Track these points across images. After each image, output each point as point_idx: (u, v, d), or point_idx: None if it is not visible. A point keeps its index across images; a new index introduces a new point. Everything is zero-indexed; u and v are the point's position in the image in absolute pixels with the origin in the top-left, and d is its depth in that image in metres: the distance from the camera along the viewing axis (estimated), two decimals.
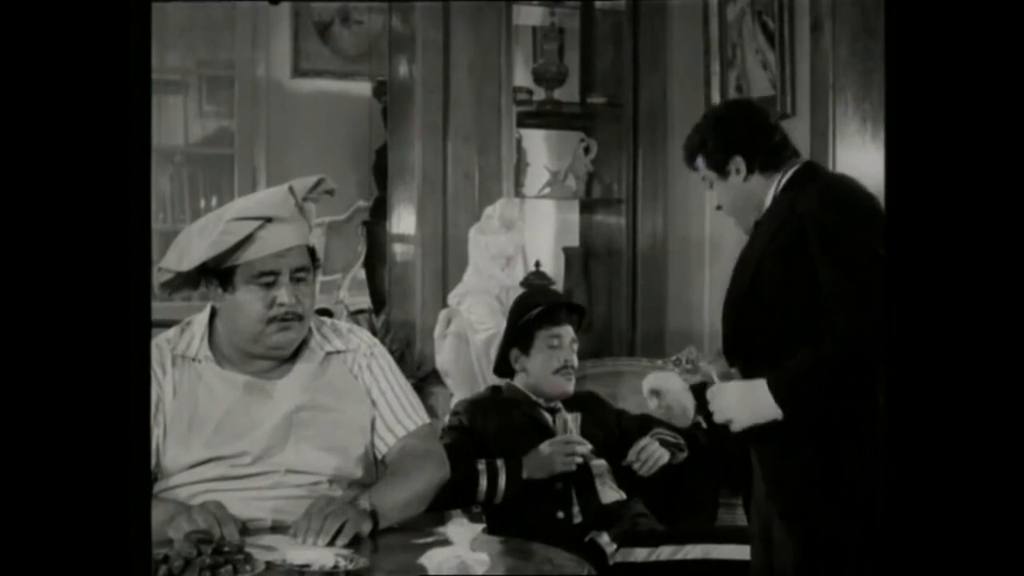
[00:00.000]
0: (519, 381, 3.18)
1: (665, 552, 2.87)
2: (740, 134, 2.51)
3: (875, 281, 2.08)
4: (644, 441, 3.04)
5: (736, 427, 2.35)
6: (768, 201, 2.45)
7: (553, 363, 3.12)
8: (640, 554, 2.88)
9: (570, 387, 3.15)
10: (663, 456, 3.00)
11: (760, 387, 2.29)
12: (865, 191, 2.37)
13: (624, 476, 3.09)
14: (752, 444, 2.40)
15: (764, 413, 2.29)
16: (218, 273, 2.24)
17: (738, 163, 2.48)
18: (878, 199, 2.27)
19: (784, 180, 2.45)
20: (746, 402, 2.32)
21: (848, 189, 2.39)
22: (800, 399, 2.29)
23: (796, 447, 2.31)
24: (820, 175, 2.50)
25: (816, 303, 2.27)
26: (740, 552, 2.72)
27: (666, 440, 3.03)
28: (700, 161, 2.53)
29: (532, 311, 3.16)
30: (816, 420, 2.29)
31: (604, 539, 2.90)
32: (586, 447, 2.99)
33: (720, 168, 2.49)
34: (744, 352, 2.40)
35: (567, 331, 3.17)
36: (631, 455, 3.01)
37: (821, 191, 2.37)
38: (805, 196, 2.36)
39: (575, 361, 3.17)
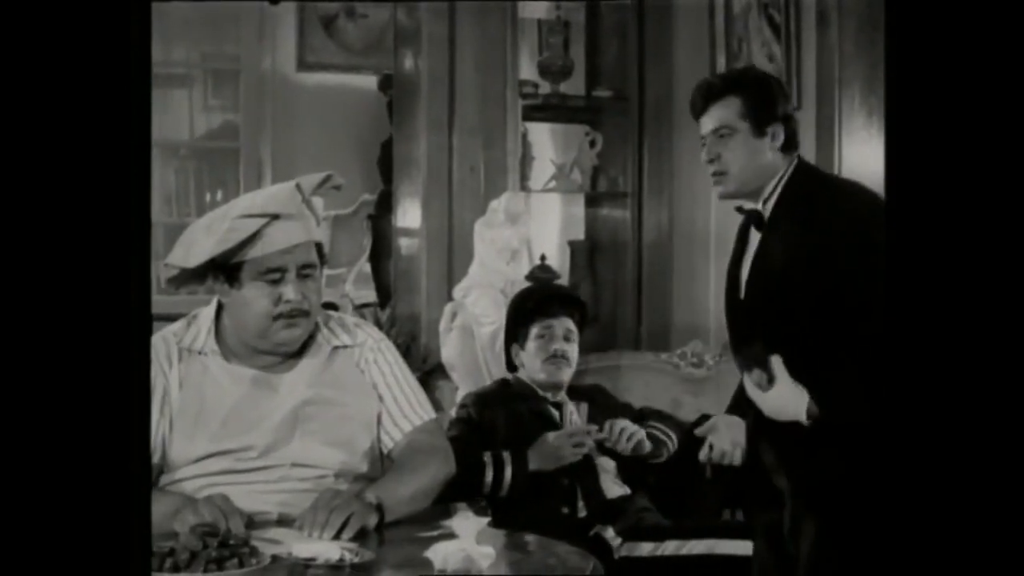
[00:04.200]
0: (523, 375, 3.19)
1: (670, 547, 2.87)
2: (782, 105, 2.41)
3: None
4: (621, 420, 3.03)
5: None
6: (771, 187, 2.38)
7: (542, 352, 3.12)
8: (645, 548, 2.88)
9: (562, 375, 3.14)
10: (636, 434, 2.99)
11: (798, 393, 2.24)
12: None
13: (629, 472, 3.09)
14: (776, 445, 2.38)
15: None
16: (225, 269, 2.24)
17: (776, 130, 2.38)
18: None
19: (790, 171, 2.39)
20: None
21: (864, 203, 2.30)
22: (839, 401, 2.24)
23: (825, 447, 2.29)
24: (827, 182, 2.43)
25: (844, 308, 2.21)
26: (744, 548, 2.73)
27: (654, 434, 3.04)
28: (732, 109, 2.38)
29: (526, 307, 3.19)
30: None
31: (609, 533, 2.90)
32: (591, 438, 2.99)
33: (760, 126, 2.37)
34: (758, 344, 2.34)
35: (560, 322, 3.17)
36: (604, 429, 3.01)
37: (854, 211, 2.28)
38: (831, 210, 2.28)
39: (568, 351, 3.15)
